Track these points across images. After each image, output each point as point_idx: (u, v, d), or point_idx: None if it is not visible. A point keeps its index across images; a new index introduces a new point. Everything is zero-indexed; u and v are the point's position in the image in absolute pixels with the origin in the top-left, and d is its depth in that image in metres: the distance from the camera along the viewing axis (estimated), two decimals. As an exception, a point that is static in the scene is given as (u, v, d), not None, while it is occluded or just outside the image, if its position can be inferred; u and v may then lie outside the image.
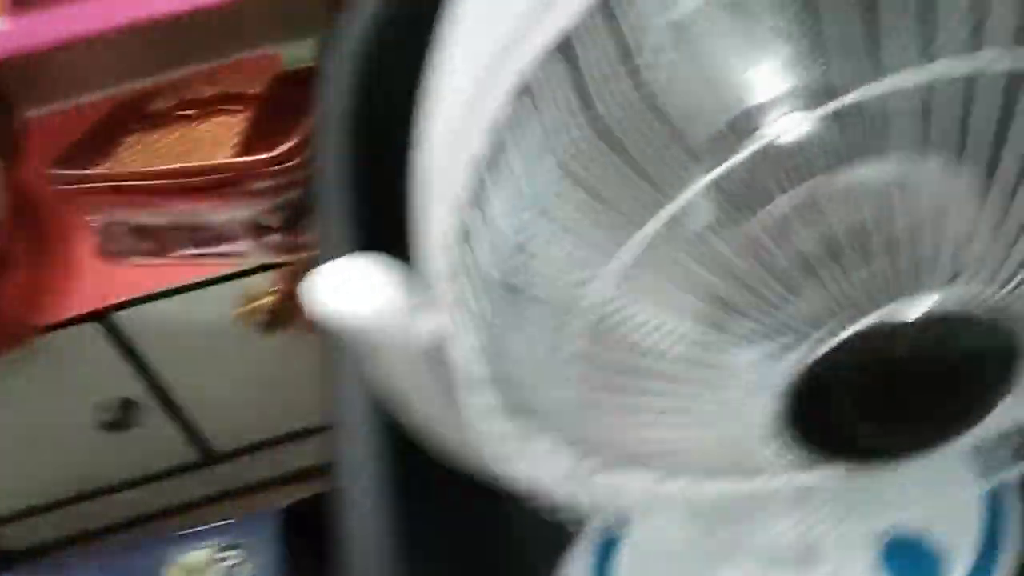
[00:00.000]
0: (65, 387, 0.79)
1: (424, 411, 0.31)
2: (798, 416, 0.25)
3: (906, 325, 0.23)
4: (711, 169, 0.22)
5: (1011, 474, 0.34)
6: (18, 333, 0.69)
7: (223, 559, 0.80)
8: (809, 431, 0.26)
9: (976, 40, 0.23)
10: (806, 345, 0.23)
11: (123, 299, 0.71)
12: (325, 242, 0.42)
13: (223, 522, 0.85)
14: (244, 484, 1.05)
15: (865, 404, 0.25)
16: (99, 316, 0.72)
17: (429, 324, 0.28)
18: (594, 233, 0.24)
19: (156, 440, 0.91)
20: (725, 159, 0.22)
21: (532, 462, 0.29)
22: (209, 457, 0.98)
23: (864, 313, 0.23)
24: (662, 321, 0.25)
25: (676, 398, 0.26)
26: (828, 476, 0.31)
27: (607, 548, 0.49)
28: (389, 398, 0.32)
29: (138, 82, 0.80)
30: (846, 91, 0.21)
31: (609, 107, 0.22)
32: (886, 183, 0.23)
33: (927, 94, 0.26)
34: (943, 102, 0.21)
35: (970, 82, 0.22)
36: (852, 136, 0.26)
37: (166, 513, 1.02)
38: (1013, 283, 0.23)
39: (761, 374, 0.25)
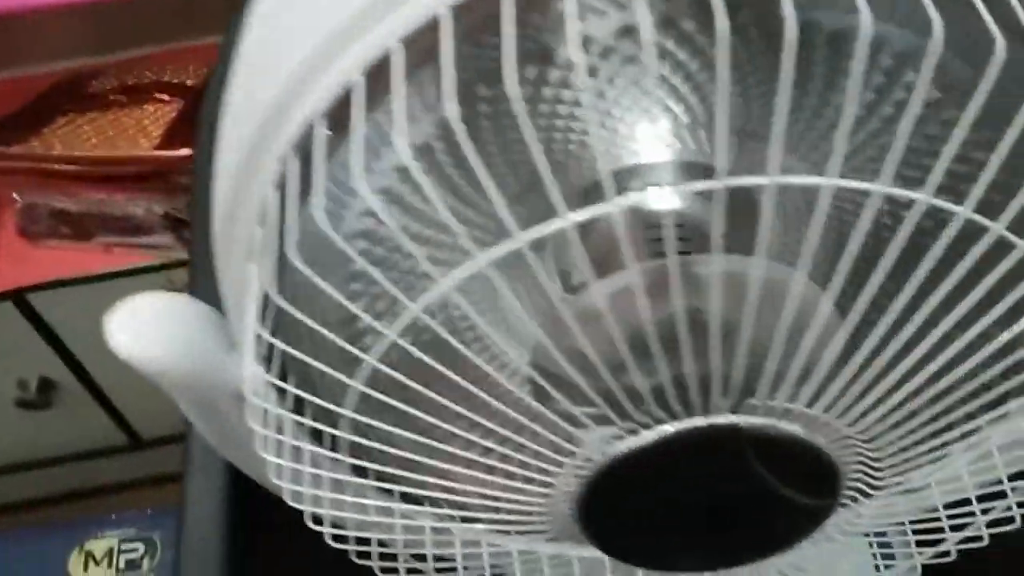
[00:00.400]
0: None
1: (235, 453, 0.30)
2: (600, 509, 0.24)
3: (733, 434, 0.21)
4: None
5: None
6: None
7: (127, 550, 0.79)
8: (607, 531, 0.25)
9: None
10: (620, 437, 0.22)
11: (39, 281, 0.69)
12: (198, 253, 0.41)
13: (137, 511, 0.84)
14: (173, 472, 1.04)
15: (671, 514, 0.24)
16: (15, 296, 0.70)
17: (232, 368, 0.26)
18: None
19: (79, 422, 0.90)
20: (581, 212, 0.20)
21: (341, 504, 0.28)
22: (136, 442, 0.97)
23: (691, 414, 0.21)
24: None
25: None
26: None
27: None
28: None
29: (84, 60, 0.78)
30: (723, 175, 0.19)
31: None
32: (744, 284, 0.21)
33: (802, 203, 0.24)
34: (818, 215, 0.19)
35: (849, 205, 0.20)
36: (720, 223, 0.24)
37: (90, 494, 1.01)
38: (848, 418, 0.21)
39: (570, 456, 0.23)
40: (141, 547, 0.78)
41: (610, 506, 0.23)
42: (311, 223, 0.19)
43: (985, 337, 0.21)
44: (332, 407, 0.22)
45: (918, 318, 0.20)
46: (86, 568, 0.78)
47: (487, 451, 0.22)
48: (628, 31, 0.24)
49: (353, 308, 0.20)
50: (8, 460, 0.92)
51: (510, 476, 0.25)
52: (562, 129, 0.26)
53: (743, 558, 0.25)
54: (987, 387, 0.23)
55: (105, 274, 0.70)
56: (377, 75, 0.19)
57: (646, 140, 0.28)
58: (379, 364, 0.20)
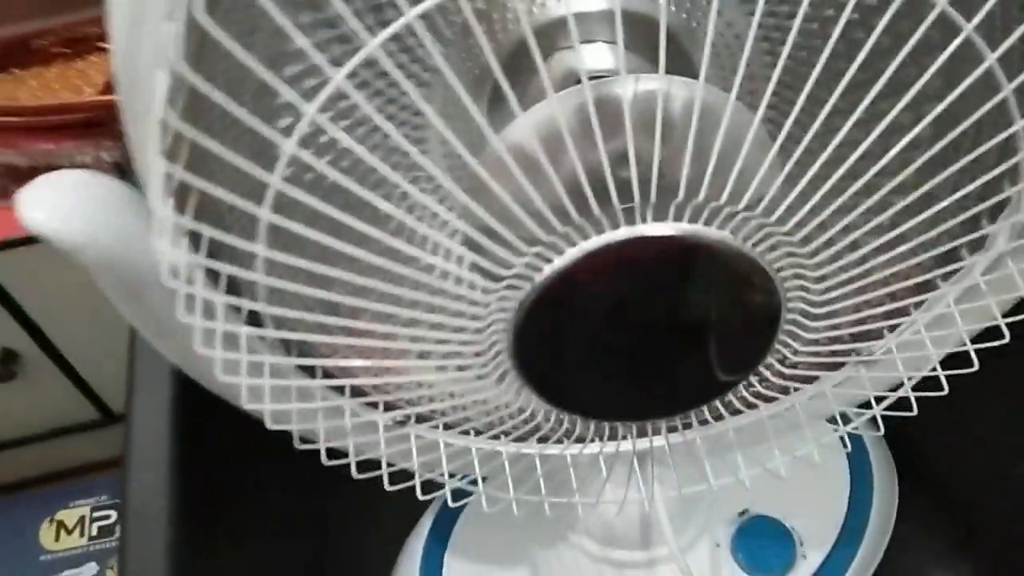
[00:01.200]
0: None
1: (167, 345, 0.29)
2: (533, 345, 0.23)
3: (660, 243, 0.20)
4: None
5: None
6: None
7: (99, 517, 0.77)
8: (547, 378, 0.24)
9: None
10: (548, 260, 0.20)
11: (-10, 242, 0.67)
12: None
13: (110, 476, 0.83)
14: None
15: (600, 345, 0.23)
16: (-35, 259, 0.68)
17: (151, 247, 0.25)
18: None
19: (45, 396, 0.88)
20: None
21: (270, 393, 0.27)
22: (107, 416, 0.95)
23: (615, 226, 0.20)
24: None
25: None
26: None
27: (445, 524, 0.47)
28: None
29: (23, 26, 0.76)
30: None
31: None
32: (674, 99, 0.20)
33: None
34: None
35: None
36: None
37: (62, 475, 0.99)
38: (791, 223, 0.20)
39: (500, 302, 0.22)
40: (114, 513, 0.77)
41: (543, 340, 0.22)
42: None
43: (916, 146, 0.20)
44: (245, 245, 0.21)
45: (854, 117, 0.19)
46: (57, 538, 0.76)
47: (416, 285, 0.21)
48: None
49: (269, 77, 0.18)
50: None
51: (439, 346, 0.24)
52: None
53: (683, 403, 0.24)
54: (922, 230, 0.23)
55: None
56: None
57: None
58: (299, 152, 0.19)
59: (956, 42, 0.18)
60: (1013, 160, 0.21)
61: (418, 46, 0.24)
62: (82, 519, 0.77)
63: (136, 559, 0.34)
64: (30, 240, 0.70)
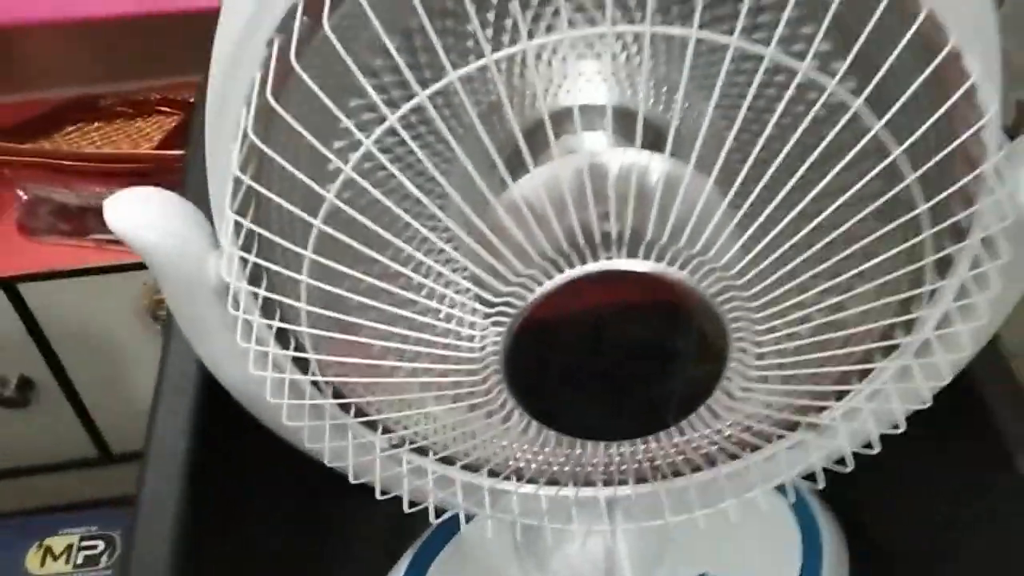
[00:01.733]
0: (-35, 355, 0.80)
1: (205, 347, 0.33)
2: (519, 378, 0.27)
3: (629, 278, 0.24)
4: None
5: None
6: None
7: (87, 547, 0.79)
8: (529, 395, 0.28)
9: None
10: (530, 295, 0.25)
11: (32, 271, 0.72)
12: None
13: (101, 510, 0.84)
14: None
15: (573, 370, 0.27)
16: (6, 286, 0.73)
17: (212, 265, 0.30)
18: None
19: (53, 428, 0.91)
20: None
21: (303, 409, 0.31)
22: (106, 456, 0.98)
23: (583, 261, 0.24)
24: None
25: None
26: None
27: (427, 555, 0.50)
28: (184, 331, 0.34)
29: (93, 87, 0.83)
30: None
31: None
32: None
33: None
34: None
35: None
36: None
37: (55, 509, 1.00)
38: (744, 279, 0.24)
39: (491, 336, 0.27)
40: (101, 544, 0.78)
41: (531, 361, 0.26)
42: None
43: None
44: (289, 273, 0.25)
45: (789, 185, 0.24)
46: (43, 563, 0.78)
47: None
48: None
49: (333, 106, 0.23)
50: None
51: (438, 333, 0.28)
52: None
53: (649, 425, 0.28)
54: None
55: (96, 268, 0.73)
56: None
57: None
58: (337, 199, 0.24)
59: (863, 141, 0.23)
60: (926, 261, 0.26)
61: (450, 116, 0.29)
62: (69, 547, 0.79)
63: (142, 554, 0.37)
64: (65, 274, 0.75)
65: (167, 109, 0.71)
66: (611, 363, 0.27)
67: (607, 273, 0.24)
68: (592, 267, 0.24)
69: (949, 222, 0.25)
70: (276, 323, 0.29)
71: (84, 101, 0.77)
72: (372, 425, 0.36)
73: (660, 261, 0.24)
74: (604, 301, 0.25)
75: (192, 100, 0.73)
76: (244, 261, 0.28)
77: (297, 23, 0.24)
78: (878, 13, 0.21)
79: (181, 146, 0.65)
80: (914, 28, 0.21)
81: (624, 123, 0.30)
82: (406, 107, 0.22)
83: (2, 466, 0.94)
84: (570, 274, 0.24)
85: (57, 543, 0.79)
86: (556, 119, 0.31)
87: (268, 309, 0.30)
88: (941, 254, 0.27)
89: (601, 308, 0.25)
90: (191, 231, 0.30)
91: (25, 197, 0.71)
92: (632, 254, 0.24)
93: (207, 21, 0.28)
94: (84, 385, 0.86)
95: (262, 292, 0.28)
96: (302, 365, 0.32)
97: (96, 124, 0.72)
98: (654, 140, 0.29)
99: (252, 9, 0.25)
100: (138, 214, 0.29)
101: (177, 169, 0.69)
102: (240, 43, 0.25)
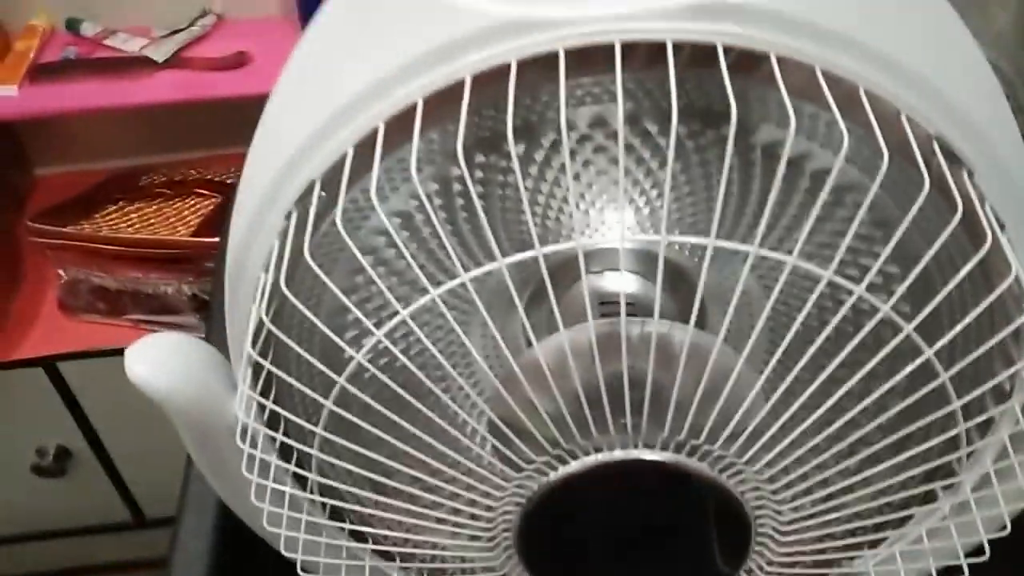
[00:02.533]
0: (5, 425, 0.80)
1: (223, 487, 0.32)
2: (535, 547, 0.26)
3: (649, 466, 0.23)
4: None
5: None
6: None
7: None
8: (545, 566, 0.26)
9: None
10: (553, 468, 0.24)
11: (71, 351, 0.73)
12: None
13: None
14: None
15: (593, 545, 0.26)
16: (46, 363, 0.74)
17: (230, 407, 0.29)
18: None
19: (89, 494, 0.91)
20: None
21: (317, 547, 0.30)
22: (139, 520, 0.98)
23: (623, 447, 0.23)
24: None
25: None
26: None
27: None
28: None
29: (136, 159, 0.85)
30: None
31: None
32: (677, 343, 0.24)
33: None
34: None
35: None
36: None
37: (88, 571, 1.00)
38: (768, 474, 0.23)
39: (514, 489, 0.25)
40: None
41: (545, 538, 0.25)
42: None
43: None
44: (305, 423, 0.25)
45: (813, 387, 0.22)
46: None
47: (435, 488, 0.25)
48: (601, 122, 0.27)
49: (348, 302, 0.22)
50: (15, 529, 0.93)
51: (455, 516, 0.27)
52: (541, 204, 0.30)
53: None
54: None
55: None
56: (369, 145, 0.23)
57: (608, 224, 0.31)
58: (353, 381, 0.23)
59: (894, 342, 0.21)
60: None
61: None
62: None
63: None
64: (103, 353, 0.75)
65: (204, 191, 0.72)
66: (626, 542, 0.25)
67: (625, 463, 0.23)
68: (610, 456, 0.23)
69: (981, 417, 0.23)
70: (293, 467, 0.29)
71: (125, 180, 0.78)
72: (386, 555, 0.35)
73: (679, 451, 0.23)
74: (624, 485, 0.24)
75: (230, 182, 0.74)
76: (262, 408, 0.27)
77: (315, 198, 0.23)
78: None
79: (217, 233, 0.66)
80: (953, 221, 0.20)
81: (645, 263, 0.29)
82: (443, 288, 0.21)
83: (40, 529, 0.95)
84: (586, 462, 0.23)
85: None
86: (590, 256, 0.30)
87: (286, 450, 0.29)
88: (980, 418, 0.26)
89: (620, 490, 0.24)
90: (208, 378, 0.30)
91: (65, 277, 0.72)
92: (655, 443, 0.23)
93: (239, 103, 0.28)
94: (120, 454, 0.87)
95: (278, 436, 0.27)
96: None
97: (136, 204, 0.73)
98: (679, 285, 0.28)
99: (272, 182, 0.24)
100: (154, 364, 0.29)
101: (210, 256, 0.70)
102: (259, 213, 0.25)
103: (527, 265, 0.30)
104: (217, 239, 0.64)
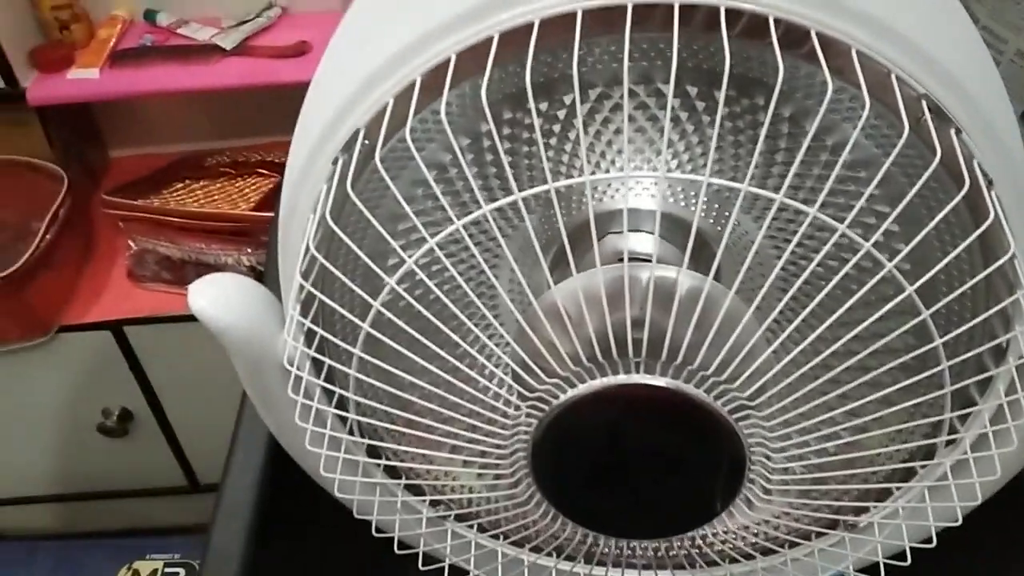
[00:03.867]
0: (74, 386, 0.85)
1: (271, 417, 0.35)
2: (546, 468, 0.28)
3: (652, 393, 0.25)
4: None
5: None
6: (41, 326, 0.75)
7: (170, 574, 0.83)
8: (555, 487, 0.29)
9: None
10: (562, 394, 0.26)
11: (136, 316, 0.77)
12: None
13: (186, 538, 0.88)
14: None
15: (598, 468, 0.28)
16: (114, 328, 0.78)
17: (280, 344, 0.32)
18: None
19: (149, 457, 0.96)
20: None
21: (356, 482, 0.32)
22: (194, 485, 1.02)
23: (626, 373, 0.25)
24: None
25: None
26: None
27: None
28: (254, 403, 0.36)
29: (203, 144, 0.90)
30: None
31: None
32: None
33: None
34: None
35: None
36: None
37: (144, 532, 1.05)
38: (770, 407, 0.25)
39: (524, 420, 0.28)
40: (182, 572, 0.82)
41: (557, 456, 0.27)
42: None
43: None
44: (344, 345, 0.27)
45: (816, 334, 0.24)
46: (129, 583, 0.82)
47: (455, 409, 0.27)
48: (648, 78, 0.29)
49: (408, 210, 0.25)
50: (81, 487, 0.98)
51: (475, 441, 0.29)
52: (565, 161, 0.32)
53: (667, 528, 0.28)
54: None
55: (193, 315, 0.77)
56: (408, 97, 0.25)
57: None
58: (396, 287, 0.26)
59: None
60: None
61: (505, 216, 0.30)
62: (155, 571, 0.82)
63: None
64: (168, 319, 0.80)
65: (265, 172, 0.76)
66: (630, 467, 0.27)
67: (629, 386, 0.25)
68: (615, 380, 0.25)
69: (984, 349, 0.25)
70: (335, 388, 0.31)
71: (192, 160, 0.83)
72: (420, 494, 0.37)
73: (681, 378, 0.25)
74: (629, 410, 0.26)
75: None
76: (309, 338, 0.29)
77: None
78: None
79: (275, 208, 0.69)
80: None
81: (670, 228, 0.31)
82: (467, 219, 0.23)
83: (101, 488, 1.00)
84: (592, 385, 0.25)
85: (144, 567, 0.83)
86: (605, 219, 0.32)
87: (330, 382, 0.31)
88: (979, 377, 0.27)
89: (624, 416, 0.26)
90: (262, 314, 0.32)
91: (135, 247, 0.77)
92: (656, 370, 0.25)
93: (300, 90, 0.30)
94: (178, 419, 0.91)
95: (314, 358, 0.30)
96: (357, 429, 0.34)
97: (201, 183, 0.78)
98: (699, 249, 0.30)
99: (321, 132, 0.27)
100: (214, 299, 0.32)
101: (267, 230, 0.73)
102: (310, 159, 0.28)
103: (550, 221, 0.32)
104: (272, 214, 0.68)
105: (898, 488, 0.33)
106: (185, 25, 0.82)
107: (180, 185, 0.78)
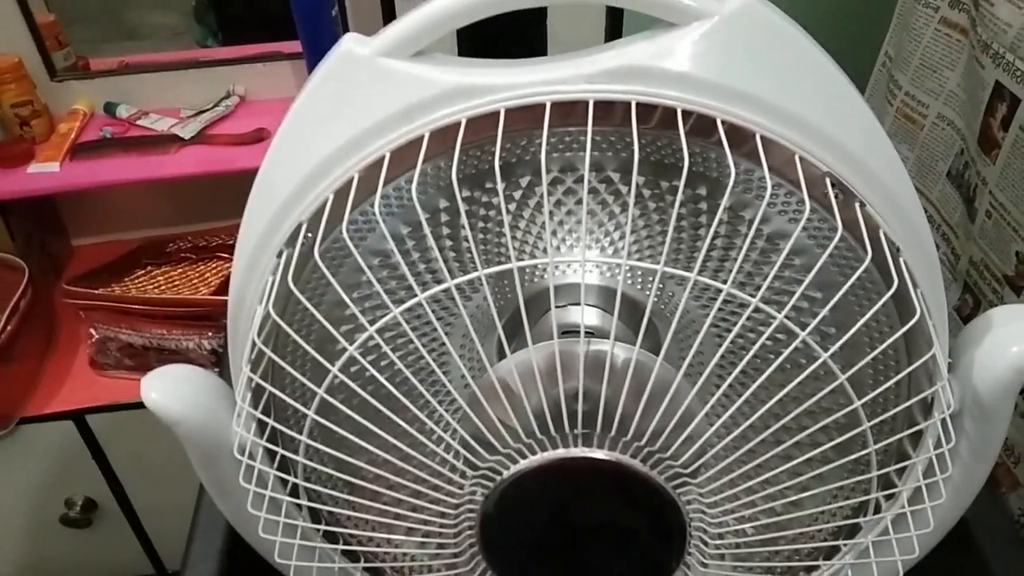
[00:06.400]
0: (36, 477, 0.83)
1: (226, 505, 0.35)
2: (495, 540, 0.28)
3: (594, 466, 0.25)
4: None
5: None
6: (1, 419, 0.74)
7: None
8: (503, 559, 0.29)
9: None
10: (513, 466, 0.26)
11: (99, 404, 0.76)
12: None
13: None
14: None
15: (547, 540, 0.28)
16: (75, 416, 0.77)
17: (231, 430, 0.32)
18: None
19: (114, 546, 0.93)
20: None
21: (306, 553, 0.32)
22: (160, 572, 0.99)
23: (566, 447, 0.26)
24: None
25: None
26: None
27: None
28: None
29: (165, 230, 0.90)
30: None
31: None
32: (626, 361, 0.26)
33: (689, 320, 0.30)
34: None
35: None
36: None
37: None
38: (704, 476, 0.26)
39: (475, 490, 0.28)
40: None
41: (506, 529, 0.27)
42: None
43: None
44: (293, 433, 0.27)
45: (736, 406, 0.25)
46: None
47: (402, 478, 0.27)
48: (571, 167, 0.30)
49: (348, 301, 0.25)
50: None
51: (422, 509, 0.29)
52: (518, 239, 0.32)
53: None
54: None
55: (155, 402, 0.76)
56: (346, 193, 0.26)
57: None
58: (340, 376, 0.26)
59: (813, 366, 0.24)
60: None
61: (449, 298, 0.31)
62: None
63: None
64: (130, 406, 0.78)
65: (225, 255, 0.76)
66: (578, 538, 0.28)
67: (571, 459, 0.25)
68: (557, 453, 0.25)
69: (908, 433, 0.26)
70: (277, 474, 0.31)
71: (154, 246, 0.83)
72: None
73: (618, 449, 0.25)
74: (573, 482, 0.26)
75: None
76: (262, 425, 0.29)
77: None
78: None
79: (233, 293, 0.69)
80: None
81: (624, 306, 0.32)
82: (411, 302, 0.24)
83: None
84: (535, 459, 0.25)
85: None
86: (560, 292, 0.33)
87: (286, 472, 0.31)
88: (912, 431, 0.28)
89: (570, 488, 0.26)
90: (214, 404, 0.32)
91: (96, 336, 0.76)
92: (595, 442, 0.25)
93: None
94: (143, 506, 0.89)
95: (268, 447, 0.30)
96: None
97: (163, 268, 0.78)
98: (638, 320, 0.31)
99: (266, 228, 0.28)
100: (165, 391, 0.32)
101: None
102: (255, 254, 0.28)
103: (504, 293, 0.32)
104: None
105: (844, 545, 0.33)
106: (145, 116, 0.83)
107: (142, 272, 0.78)
